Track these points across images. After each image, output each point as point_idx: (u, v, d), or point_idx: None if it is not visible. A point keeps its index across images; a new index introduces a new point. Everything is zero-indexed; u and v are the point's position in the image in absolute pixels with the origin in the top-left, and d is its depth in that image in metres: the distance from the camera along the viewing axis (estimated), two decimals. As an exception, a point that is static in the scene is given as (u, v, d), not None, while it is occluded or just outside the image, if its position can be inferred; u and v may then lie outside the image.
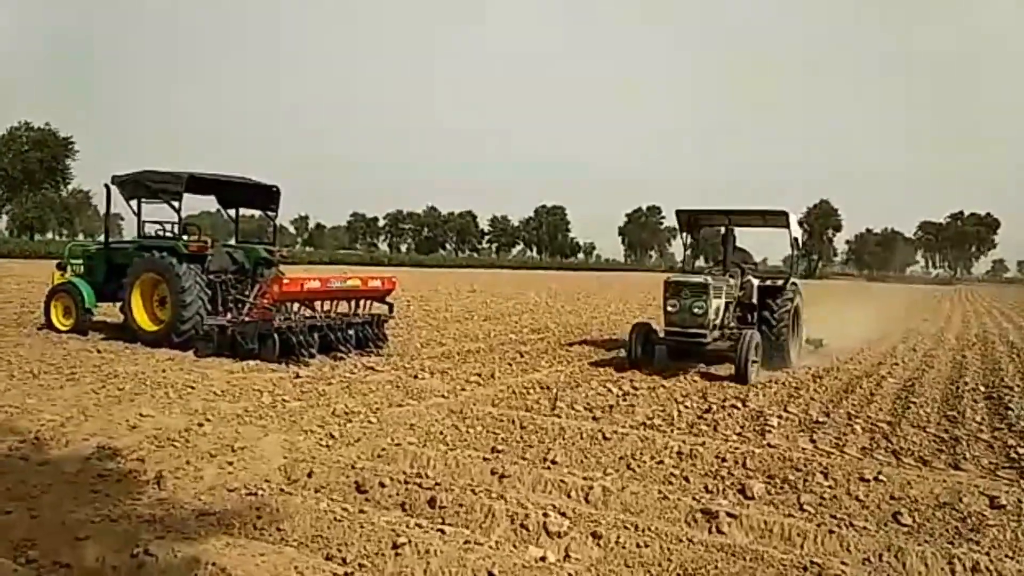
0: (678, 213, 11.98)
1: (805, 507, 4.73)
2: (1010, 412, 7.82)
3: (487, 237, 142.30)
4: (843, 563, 3.82)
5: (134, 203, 11.53)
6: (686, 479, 5.25)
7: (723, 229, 11.52)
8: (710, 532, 4.24)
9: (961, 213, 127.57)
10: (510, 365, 10.31)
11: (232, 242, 12.54)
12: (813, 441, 6.48)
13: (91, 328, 11.95)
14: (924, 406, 8.10)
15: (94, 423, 6.19)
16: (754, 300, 11.06)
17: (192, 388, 7.81)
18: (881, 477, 5.22)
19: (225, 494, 4.61)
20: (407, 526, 4.11)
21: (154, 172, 11.22)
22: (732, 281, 10.68)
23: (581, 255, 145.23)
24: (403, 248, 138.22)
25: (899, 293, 47.60)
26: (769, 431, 6.73)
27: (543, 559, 3.76)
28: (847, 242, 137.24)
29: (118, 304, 11.62)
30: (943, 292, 58.01)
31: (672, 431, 6.62)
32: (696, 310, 9.65)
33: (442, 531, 4.06)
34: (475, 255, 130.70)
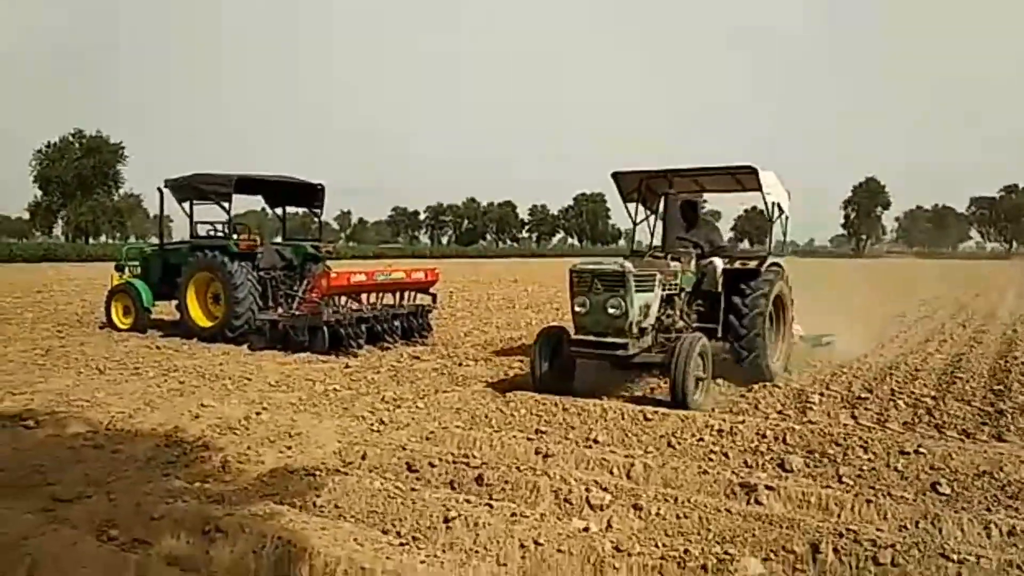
0: (616, 177, 8.97)
1: (844, 479, 4.82)
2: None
3: (527, 227, 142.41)
4: (879, 530, 3.91)
5: (186, 205, 11.99)
6: (725, 455, 5.38)
7: (664, 198, 8.76)
8: (748, 503, 4.37)
9: (1015, 186, 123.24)
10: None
11: (280, 239, 12.96)
12: (854, 417, 6.54)
13: (149, 326, 12.49)
14: (970, 381, 8.05)
15: (160, 414, 6.56)
16: (719, 290, 8.18)
17: (248, 380, 8.18)
18: (921, 450, 5.27)
19: (285, 476, 4.89)
20: (456, 502, 4.33)
21: (204, 175, 11.66)
22: (674, 266, 7.80)
23: (622, 242, 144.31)
24: (444, 240, 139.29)
25: (951, 269, 46.40)
26: (810, 408, 6.80)
27: (586, 529, 3.94)
28: (896, 219, 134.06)
29: (174, 302, 12.13)
30: (997, 267, 56.30)
31: (713, 410, 6.73)
32: (611, 309, 6.86)
33: (489, 506, 4.27)
34: (515, 245, 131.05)
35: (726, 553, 3.58)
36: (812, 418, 6.45)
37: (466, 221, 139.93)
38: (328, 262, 12.70)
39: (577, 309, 7.13)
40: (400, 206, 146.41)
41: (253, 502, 4.34)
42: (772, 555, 3.67)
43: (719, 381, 7.71)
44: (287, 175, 12.59)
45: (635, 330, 6.98)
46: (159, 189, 12.24)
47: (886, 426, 6.21)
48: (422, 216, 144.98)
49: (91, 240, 76.12)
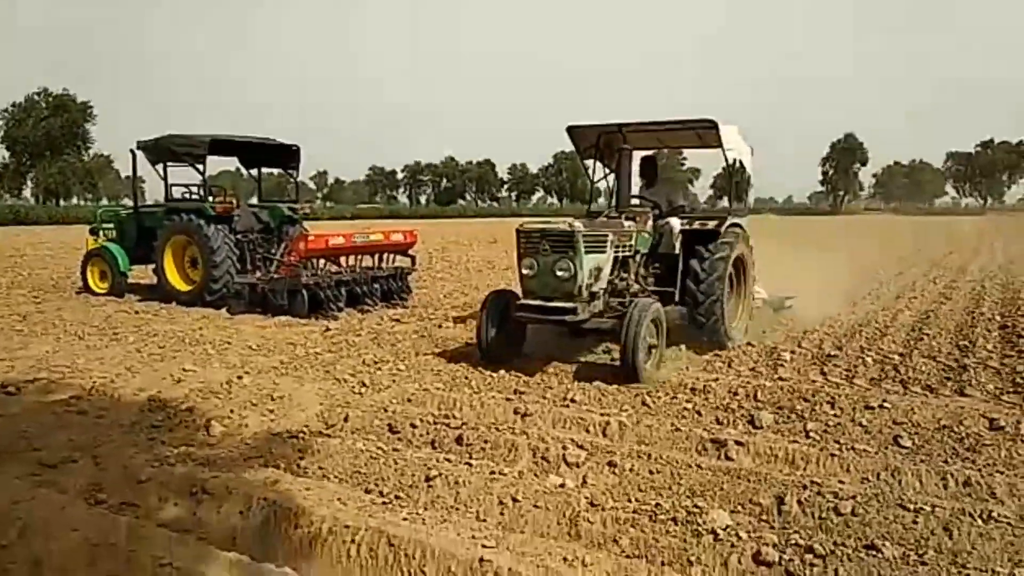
0: (571, 131, 8.57)
1: (810, 434, 5.01)
2: (1022, 339, 7.99)
3: (506, 186, 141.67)
4: (841, 482, 4.10)
5: (160, 167, 11.85)
6: (698, 413, 5.54)
7: (619, 154, 7.87)
8: (718, 459, 4.54)
9: (991, 141, 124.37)
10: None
11: (255, 201, 12.88)
12: (824, 374, 6.73)
13: (126, 290, 12.42)
14: (936, 337, 8.30)
15: (141, 379, 6.61)
16: (677, 252, 7.88)
17: (229, 344, 8.23)
18: (886, 404, 5.48)
19: (269, 438, 4.98)
20: (437, 461, 4.46)
21: (178, 136, 11.50)
22: (628, 226, 7.40)
23: (602, 200, 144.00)
24: (422, 200, 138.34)
25: (926, 226, 47.05)
26: (781, 366, 6.98)
27: (562, 486, 4.09)
28: (874, 175, 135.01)
29: (151, 266, 12.06)
30: (972, 222, 57.13)
31: (688, 369, 6.91)
32: (560, 272, 6.53)
33: (469, 464, 4.41)
34: (495, 204, 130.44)
35: (696, 506, 3.75)
36: (783, 375, 6.64)
37: (445, 180, 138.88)
38: (305, 224, 12.66)
39: (525, 272, 6.80)
40: (377, 165, 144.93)
41: (238, 465, 4.44)
42: (740, 508, 3.84)
43: (680, 347, 7.52)
44: (262, 136, 12.46)
45: (585, 294, 6.64)
46: (132, 151, 12.07)
47: (853, 382, 6.41)
48: (400, 175, 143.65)
49: (62, 202, 74.71)
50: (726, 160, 7.99)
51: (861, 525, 3.60)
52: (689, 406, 5.67)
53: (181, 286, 11.51)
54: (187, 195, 11.91)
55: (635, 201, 8.28)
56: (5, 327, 9.42)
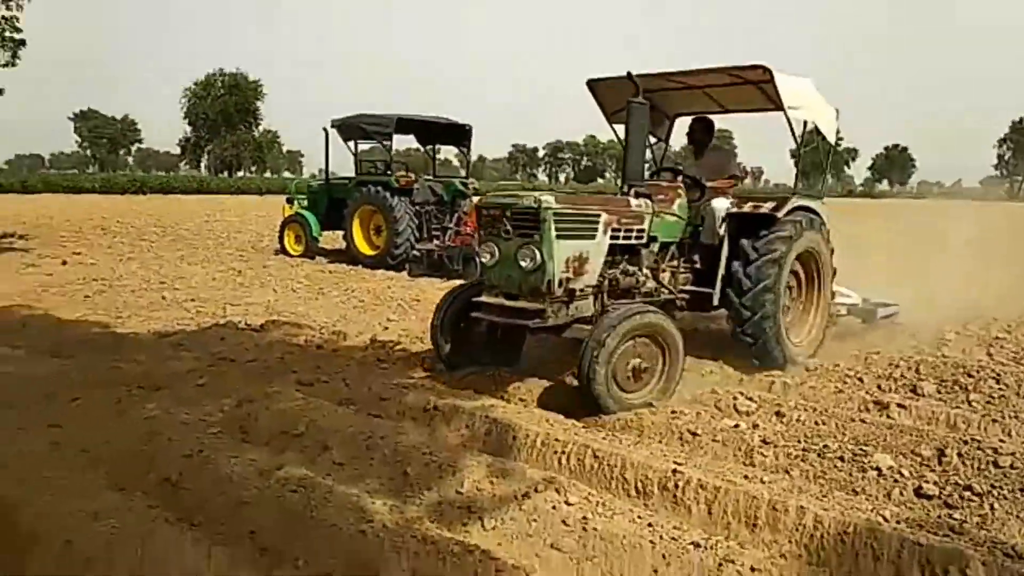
0: (592, 88, 6.88)
1: (973, 403, 5.30)
2: None
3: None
4: (1001, 441, 4.43)
5: (351, 143, 13.25)
6: (860, 379, 5.92)
7: (628, 109, 5.63)
8: (880, 416, 4.97)
9: None
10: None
11: (431, 176, 14.09)
12: (990, 354, 6.86)
13: (317, 253, 14.01)
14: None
15: (355, 325, 7.75)
16: (720, 242, 6.20)
17: (417, 301, 9.32)
18: (1055, 383, 5.63)
19: (478, 376, 5.86)
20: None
21: (368, 116, 12.83)
22: (637, 206, 5.67)
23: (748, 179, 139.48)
24: (561, 178, 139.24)
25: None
26: (946, 344, 7.15)
27: (736, 426, 4.68)
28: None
29: (339, 232, 13.55)
30: None
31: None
32: (522, 261, 5.08)
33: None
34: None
35: (860, 449, 4.24)
36: (947, 352, 6.83)
37: (585, 159, 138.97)
38: (473, 198, 13.73)
39: (483, 260, 5.39)
40: (519, 143, 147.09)
41: (455, 394, 5.33)
42: (902, 455, 4.28)
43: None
44: (439, 116, 13.59)
45: (558, 291, 5.13)
46: (325, 129, 13.55)
47: (1020, 363, 6.52)
48: (541, 153, 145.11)
49: (235, 174, 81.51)
50: (789, 123, 6.29)
51: (1020, 476, 3.97)
52: (851, 373, 6.05)
53: (366, 250, 12.89)
54: (373, 170, 13.25)
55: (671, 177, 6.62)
56: (227, 280, 11.04)
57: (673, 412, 4.89)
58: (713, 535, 3.25)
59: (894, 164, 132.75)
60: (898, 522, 3.29)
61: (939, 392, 5.60)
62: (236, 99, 79.09)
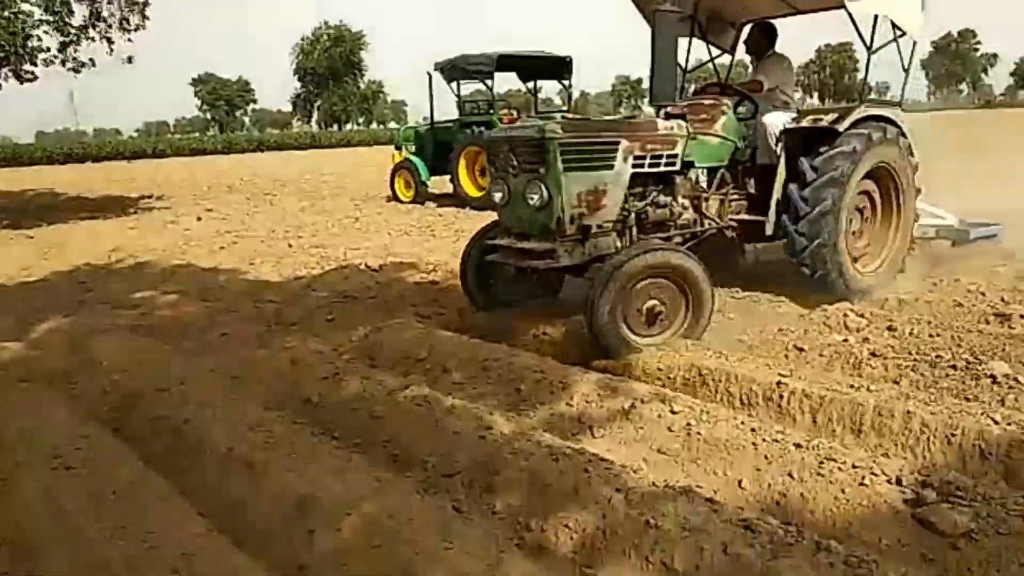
0: None
1: (1106, 319, 5.04)
2: None
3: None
4: None
5: (454, 85, 13.49)
6: (982, 293, 5.72)
7: (654, 15, 5.07)
8: (1000, 326, 4.83)
9: None
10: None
11: (533, 114, 14.15)
12: None
13: (428, 199, 14.48)
14: None
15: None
16: (777, 162, 5.62)
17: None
18: None
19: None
20: (728, 318, 5.27)
21: (469, 56, 13.01)
22: (668, 128, 5.16)
23: (872, 96, 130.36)
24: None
25: None
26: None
27: (845, 341, 4.69)
28: None
29: (445, 177, 13.91)
30: None
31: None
32: (530, 198, 4.74)
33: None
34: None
35: (976, 358, 4.18)
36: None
37: (693, 85, 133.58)
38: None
39: (495, 199, 5.13)
40: (623, 74, 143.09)
41: (569, 320, 5.55)
42: (1020, 363, 4.18)
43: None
44: (539, 50, 13.58)
45: (569, 229, 4.72)
46: (428, 73, 13.83)
47: None
48: (645, 84, 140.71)
49: (344, 127, 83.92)
50: (850, 17, 5.54)
51: None
52: (972, 288, 5.84)
53: (473, 192, 13.21)
54: (475, 110, 13.47)
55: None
56: (346, 226, 11.67)
57: (780, 329, 4.95)
58: (816, 438, 3.36)
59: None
60: (1009, 424, 3.27)
61: (1069, 303, 5.34)
62: (340, 51, 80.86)
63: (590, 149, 4.75)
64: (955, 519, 2.62)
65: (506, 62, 13.25)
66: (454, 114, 13.94)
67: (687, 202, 5.42)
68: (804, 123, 5.64)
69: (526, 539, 2.81)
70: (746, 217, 5.74)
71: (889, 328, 4.91)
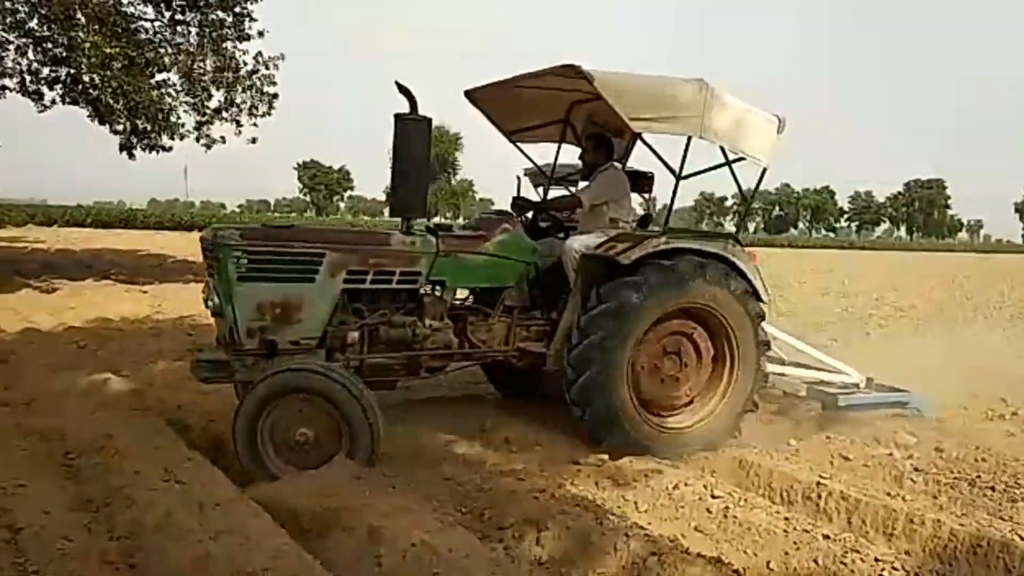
0: (469, 96, 6.07)
1: None
2: None
3: (846, 216, 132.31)
4: None
5: (540, 190, 14.28)
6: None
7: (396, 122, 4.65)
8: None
9: None
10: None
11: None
12: None
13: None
14: None
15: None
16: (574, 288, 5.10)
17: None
18: None
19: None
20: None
21: (558, 165, 13.81)
22: (403, 243, 4.79)
23: (963, 234, 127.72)
24: (751, 228, 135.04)
25: None
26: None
27: (890, 455, 4.87)
28: None
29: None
30: None
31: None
32: (208, 303, 4.59)
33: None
34: (830, 235, 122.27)
35: (1016, 483, 4.33)
36: None
37: (777, 208, 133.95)
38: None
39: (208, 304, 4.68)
40: (707, 191, 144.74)
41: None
42: (1061, 492, 4.30)
43: None
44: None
45: (248, 343, 4.39)
46: (517, 176, 14.69)
47: None
48: (729, 202, 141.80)
49: (430, 220, 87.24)
50: (650, 147, 5.28)
51: None
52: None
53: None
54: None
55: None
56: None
57: (828, 437, 5.18)
58: (844, 532, 3.59)
59: None
60: (1036, 542, 3.45)
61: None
62: (436, 150, 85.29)
63: (279, 259, 4.46)
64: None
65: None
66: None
67: (437, 323, 4.94)
68: (599, 251, 5.00)
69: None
70: (527, 346, 5.21)
71: (936, 448, 5.08)
